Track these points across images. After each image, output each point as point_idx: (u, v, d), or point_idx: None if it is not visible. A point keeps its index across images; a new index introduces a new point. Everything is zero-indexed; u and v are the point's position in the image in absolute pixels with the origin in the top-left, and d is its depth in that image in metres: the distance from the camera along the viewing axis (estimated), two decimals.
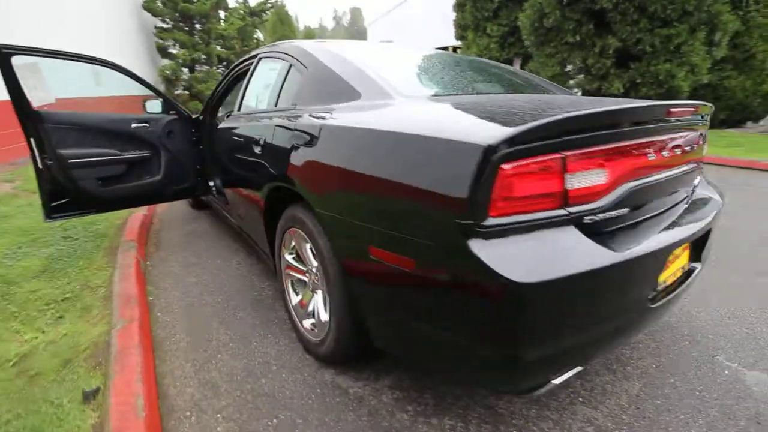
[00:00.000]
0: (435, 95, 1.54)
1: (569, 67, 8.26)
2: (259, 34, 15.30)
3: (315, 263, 1.57)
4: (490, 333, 0.93)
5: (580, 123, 0.94)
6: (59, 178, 2.51)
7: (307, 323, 1.70)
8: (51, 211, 2.56)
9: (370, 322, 1.31)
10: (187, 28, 10.67)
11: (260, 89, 2.25)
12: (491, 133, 0.88)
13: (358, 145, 1.19)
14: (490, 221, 0.89)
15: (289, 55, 1.88)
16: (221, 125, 2.42)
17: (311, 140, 1.38)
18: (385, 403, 1.43)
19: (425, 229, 1.00)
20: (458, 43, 11.62)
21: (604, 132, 0.97)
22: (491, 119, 1.03)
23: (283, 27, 24.95)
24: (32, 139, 2.41)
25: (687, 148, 1.25)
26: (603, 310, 0.99)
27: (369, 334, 1.35)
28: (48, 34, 6.25)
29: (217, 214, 3.53)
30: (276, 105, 1.92)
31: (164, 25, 10.47)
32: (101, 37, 8.04)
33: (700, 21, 6.89)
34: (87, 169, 2.59)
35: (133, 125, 2.81)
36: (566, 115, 0.92)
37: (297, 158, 1.45)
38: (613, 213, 1.01)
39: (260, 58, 2.29)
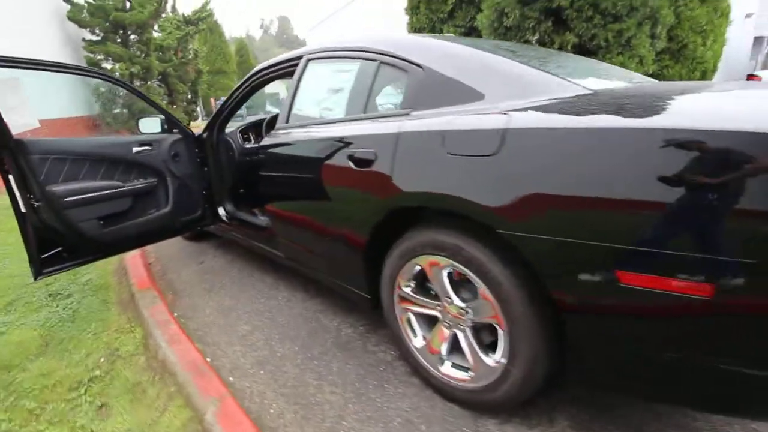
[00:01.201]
0: (593, 90, 1.30)
1: None
2: (193, 45, 14.26)
3: (457, 296, 1.33)
4: None
5: None
6: (50, 223, 1.98)
7: (448, 368, 1.42)
8: (42, 266, 2.02)
9: (595, 358, 1.08)
10: (120, 40, 9.58)
11: (322, 95, 1.92)
12: None
13: (593, 148, 0.95)
14: None
15: (381, 53, 1.58)
16: (267, 142, 2.03)
17: (487, 146, 1.11)
18: None
19: (728, 242, 0.79)
20: None
21: None
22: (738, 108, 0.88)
23: (213, 36, 23.80)
24: (10, 176, 1.87)
25: None
26: None
27: (581, 372, 1.12)
28: None
29: (235, 244, 3.08)
30: (365, 111, 1.61)
31: (94, 37, 9.30)
32: (19, 52, 6.92)
33: (645, 16, 7.44)
34: (86, 207, 2.08)
35: (135, 149, 2.32)
36: None
37: (457, 170, 1.18)
38: None
39: (309, 60, 1.96)
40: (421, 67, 1.42)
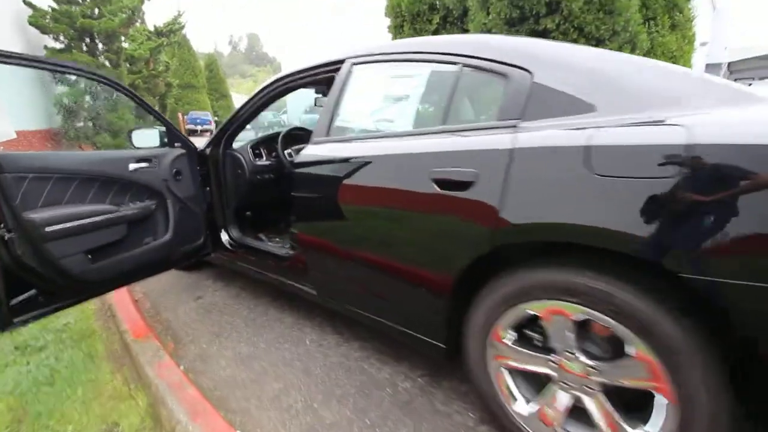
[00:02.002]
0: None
1: None
2: (163, 58, 13.63)
3: (584, 351, 1.07)
4: None
5: None
6: (25, 260, 1.56)
7: None
8: (11, 314, 1.58)
9: None
10: (86, 49, 8.91)
11: (377, 105, 1.64)
12: None
13: None
14: None
15: (465, 55, 1.32)
16: (305, 158, 1.70)
17: (663, 167, 0.86)
18: None
19: None
20: None
21: None
22: None
23: (182, 50, 23.12)
24: None
25: None
26: None
27: None
28: None
29: (238, 276, 2.69)
30: (444, 122, 1.34)
31: (58, 45, 8.58)
32: None
33: (625, 40, 7.74)
34: (72, 239, 1.67)
35: (131, 166, 1.93)
36: None
37: (614, 197, 0.92)
38: None
39: (354, 64, 1.68)
40: (530, 72, 1.17)
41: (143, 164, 1.98)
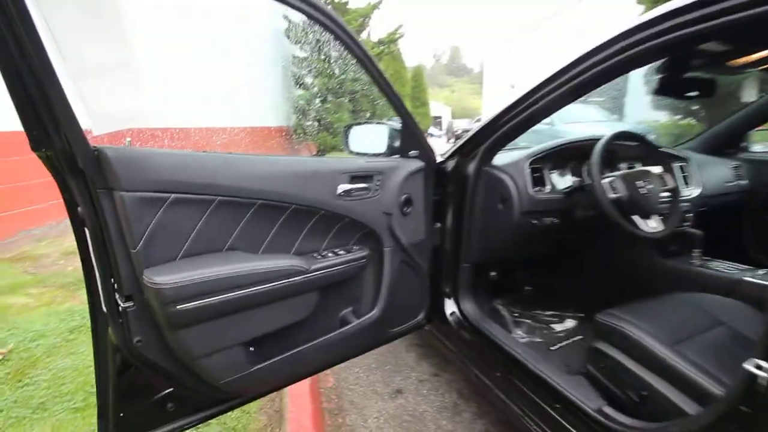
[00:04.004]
0: None
1: None
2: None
3: None
4: None
5: None
6: (144, 352, 0.81)
7: None
8: (124, 428, 0.88)
9: None
10: (323, 57, 9.93)
11: None
12: None
13: None
14: None
15: None
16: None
17: None
18: None
19: None
20: None
21: None
22: None
23: (396, 62, 24.78)
24: (88, 234, 0.77)
25: None
26: None
27: None
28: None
29: (460, 372, 1.68)
30: None
31: (302, 54, 9.83)
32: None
33: None
34: (223, 320, 0.87)
35: (341, 188, 1.07)
36: None
37: None
38: None
39: None
40: None
41: (359, 185, 1.10)
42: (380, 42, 12.82)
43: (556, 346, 1.52)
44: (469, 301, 1.45)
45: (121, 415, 0.90)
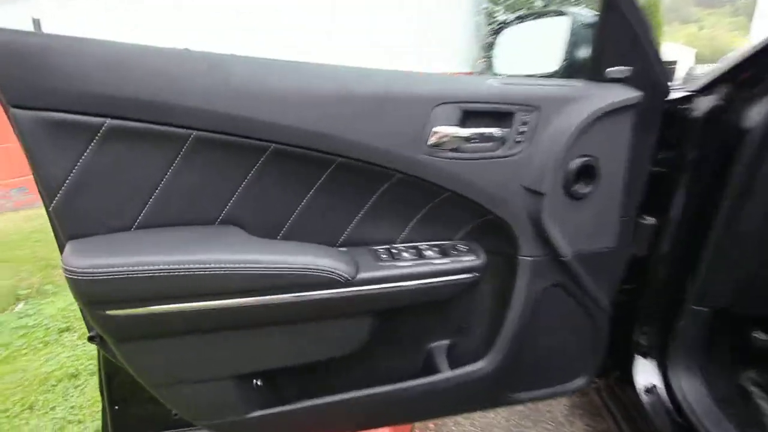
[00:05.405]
0: None
1: None
2: None
3: None
4: None
5: None
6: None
7: None
8: None
9: None
10: None
11: None
12: None
13: None
14: None
15: None
16: None
17: None
18: None
19: None
20: None
21: None
22: None
23: None
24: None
25: None
26: None
27: None
28: None
29: None
30: None
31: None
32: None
33: None
34: (202, 340, 0.52)
35: (436, 134, 0.53)
36: None
37: None
38: None
39: None
40: None
41: (479, 130, 0.56)
42: None
43: None
44: (693, 376, 0.76)
45: (121, 414, 0.70)
